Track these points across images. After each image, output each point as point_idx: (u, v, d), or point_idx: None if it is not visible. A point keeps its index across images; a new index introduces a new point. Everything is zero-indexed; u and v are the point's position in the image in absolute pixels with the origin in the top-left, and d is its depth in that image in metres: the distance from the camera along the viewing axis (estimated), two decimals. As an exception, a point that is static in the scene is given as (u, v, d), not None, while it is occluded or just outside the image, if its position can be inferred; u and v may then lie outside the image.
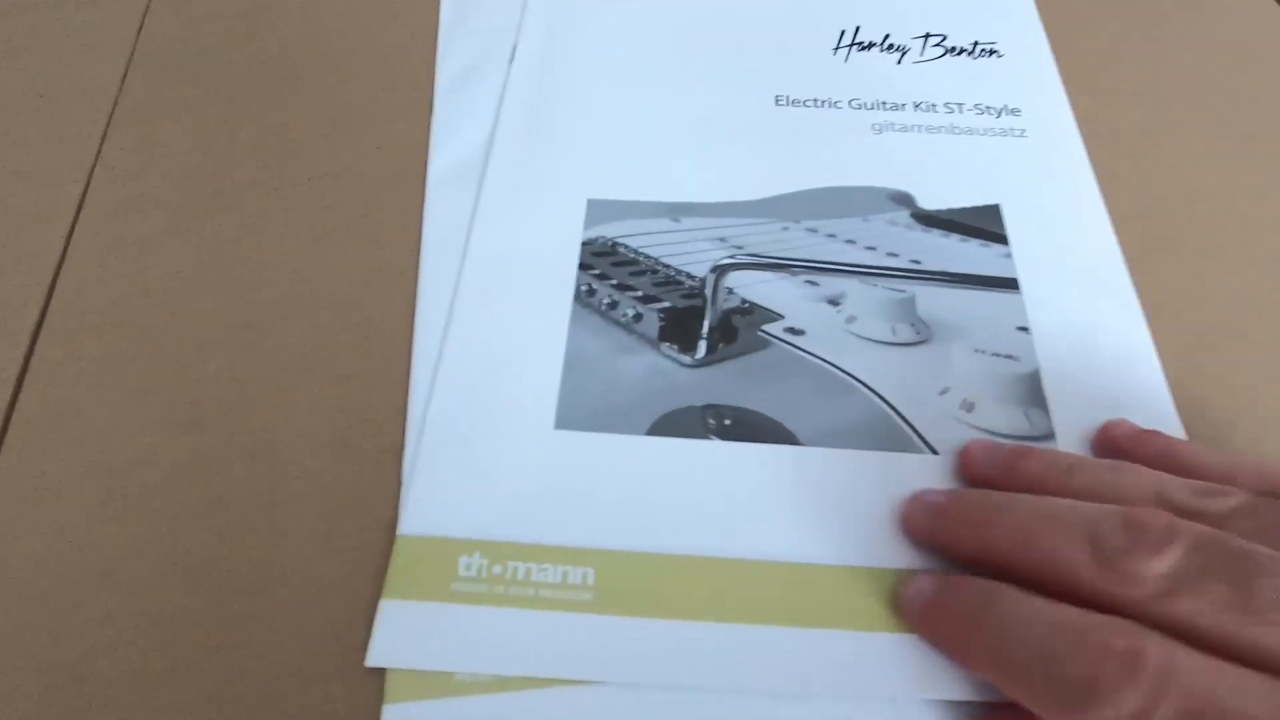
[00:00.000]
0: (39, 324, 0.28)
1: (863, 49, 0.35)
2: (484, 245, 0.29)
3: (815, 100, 0.33)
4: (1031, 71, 0.34)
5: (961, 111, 0.33)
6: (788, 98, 0.33)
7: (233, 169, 0.31)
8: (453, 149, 0.31)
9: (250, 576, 0.23)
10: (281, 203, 0.30)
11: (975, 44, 0.35)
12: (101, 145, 0.32)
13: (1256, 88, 0.34)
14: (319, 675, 0.22)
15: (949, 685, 0.21)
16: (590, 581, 0.22)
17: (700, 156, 0.31)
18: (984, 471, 0.23)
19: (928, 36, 0.35)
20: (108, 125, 0.33)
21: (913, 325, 0.27)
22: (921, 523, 0.23)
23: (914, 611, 0.21)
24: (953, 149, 0.31)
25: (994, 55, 0.34)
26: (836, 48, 0.35)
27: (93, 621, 0.22)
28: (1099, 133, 0.32)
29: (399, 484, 0.24)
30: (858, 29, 0.35)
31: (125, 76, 0.34)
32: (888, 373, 0.26)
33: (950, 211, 0.30)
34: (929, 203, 0.30)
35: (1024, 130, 0.32)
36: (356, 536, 0.23)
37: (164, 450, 0.25)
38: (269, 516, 0.24)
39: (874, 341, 0.27)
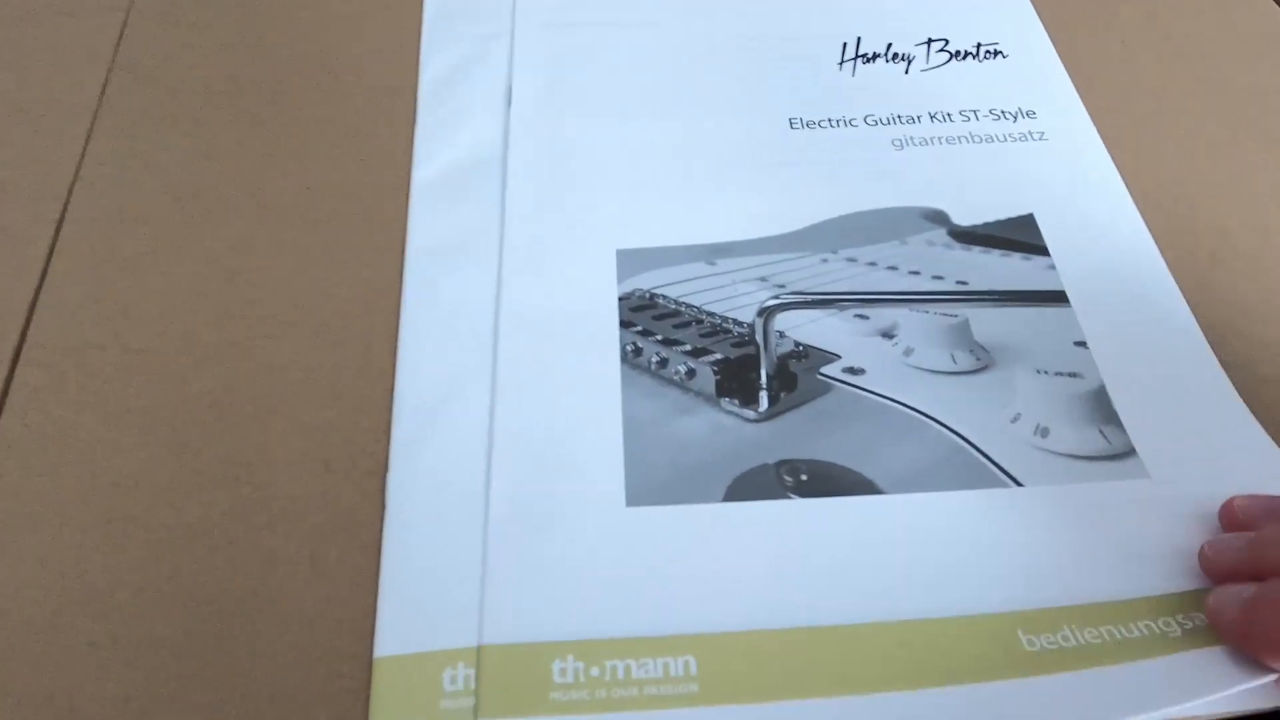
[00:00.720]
0: (19, 347, 0.26)
1: (868, 61, 0.34)
2: (515, 312, 0.27)
3: (830, 120, 0.32)
4: (1039, 69, 0.33)
5: (978, 118, 0.32)
6: (801, 120, 0.32)
7: (215, 184, 0.30)
8: (436, 160, 0.30)
9: (236, 600, 0.22)
10: (265, 218, 0.29)
11: (979, 45, 0.34)
12: (81, 160, 0.31)
13: (1252, 70, 0.34)
14: (307, 698, 0.21)
15: None
16: (693, 671, 0.21)
17: (725, 192, 0.30)
18: (1250, 520, 0.23)
19: (930, 42, 0.34)
20: (87, 140, 0.31)
21: (972, 351, 0.26)
22: (1231, 617, 0.21)
23: (1227, 617, 0.21)
24: (976, 159, 0.31)
25: (999, 56, 0.34)
26: (841, 61, 0.34)
27: (75, 648, 0.21)
28: (1114, 128, 0.32)
29: (382, 505, 0.23)
30: (859, 40, 0.34)
31: (105, 90, 0.32)
32: (955, 404, 0.25)
33: (986, 226, 0.29)
34: (963, 218, 0.29)
35: (1044, 133, 0.31)
36: (342, 559, 0.23)
37: (147, 474, 0.24)
38: (254, 539, 0.23)
39: (936, 373, 0.26)
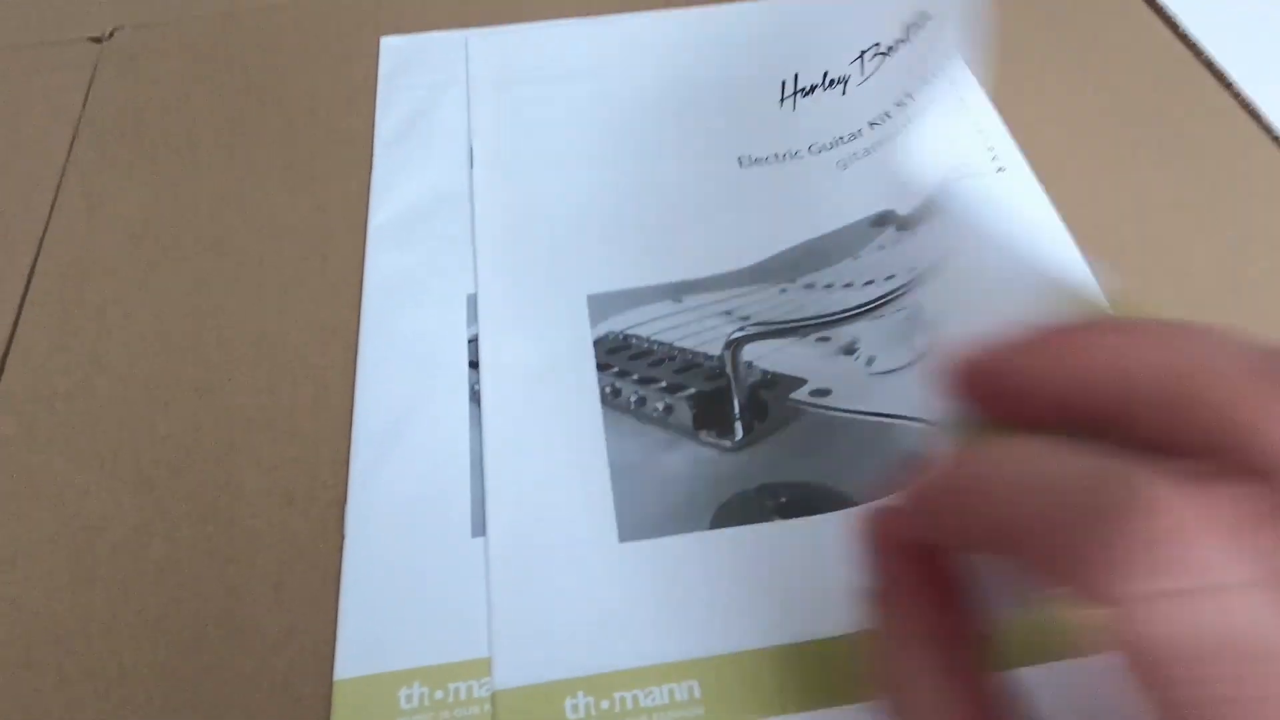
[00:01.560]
0: (-8, 397, 0.28)
1: (806, 94, 0.35)
2: (499, 367, 0.28)
3: (775, 155, 0.33)
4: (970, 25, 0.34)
5: (913, 99, 0.33)
6: (750, 157, 0.34)
7: (179, 232, 0.32)
8: (392, 203, 0.33)
9: (202, 631, 0.24)
10: (226, 264, 0.31)
11: (908, 28, 0.34)
12: (51, 213, 0.33)
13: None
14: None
15: None
16: (697, 694, 0.22)
17: (684, 231, 0.32)
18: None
19: (863, 54, 0.35)
20: (57, 192, 0.33)
21: (927, 334, 0.27)
22: None
23: None
24: (911, 143, 0.32)
25: (929, 21, 0.34)
26: (781, 99, 0.35)
27: (44, 685, 0.23)
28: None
29: (342, 535, 0.25)
30: (796, 76, 0.36)
31: (74, 143, 0.34)
32: (920, 394, 0.26)
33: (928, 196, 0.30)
34: (907, 205, 0.30)
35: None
36: (304, 588, 0.24)
37: (116, 515, 0.26)
38: (219, 572, 0.25)
39: (898, 370, 0.27)
